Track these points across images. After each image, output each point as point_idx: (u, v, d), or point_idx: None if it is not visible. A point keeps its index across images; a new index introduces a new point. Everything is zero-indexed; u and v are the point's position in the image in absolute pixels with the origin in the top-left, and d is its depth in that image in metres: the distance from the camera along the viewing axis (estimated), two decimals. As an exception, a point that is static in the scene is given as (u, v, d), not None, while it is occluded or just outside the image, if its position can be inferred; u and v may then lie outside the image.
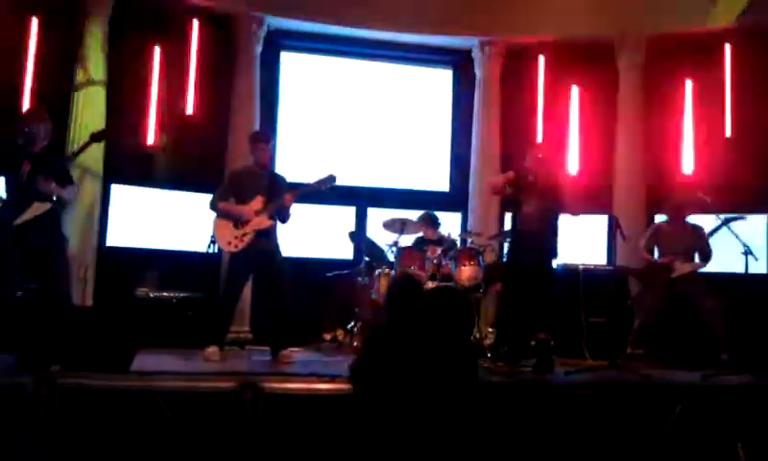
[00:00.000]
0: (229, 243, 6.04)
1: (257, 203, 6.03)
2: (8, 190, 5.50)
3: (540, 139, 9.50)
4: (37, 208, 5.34)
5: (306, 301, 7.12)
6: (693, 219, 7.16)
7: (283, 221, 6.22)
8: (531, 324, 6.00)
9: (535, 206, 6.02)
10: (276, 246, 6.21)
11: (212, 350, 5.95)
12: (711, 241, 6.95)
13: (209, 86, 9.08)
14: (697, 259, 6.93)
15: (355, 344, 7.33)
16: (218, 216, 6.18)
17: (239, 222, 6.03)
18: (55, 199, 5.46)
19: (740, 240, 6.59)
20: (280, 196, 6.03)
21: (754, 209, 7.84)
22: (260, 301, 6.26)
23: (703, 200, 7.02)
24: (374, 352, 3.66)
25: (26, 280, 5.60)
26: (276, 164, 8.64)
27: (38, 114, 5.68)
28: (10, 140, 5.69)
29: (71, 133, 8.01)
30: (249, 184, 6.15)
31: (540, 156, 6.22)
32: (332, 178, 6.18)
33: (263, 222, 6.01)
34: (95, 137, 5.66)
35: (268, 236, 6.09)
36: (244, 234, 6.00)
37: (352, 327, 7.59)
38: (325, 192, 6.32)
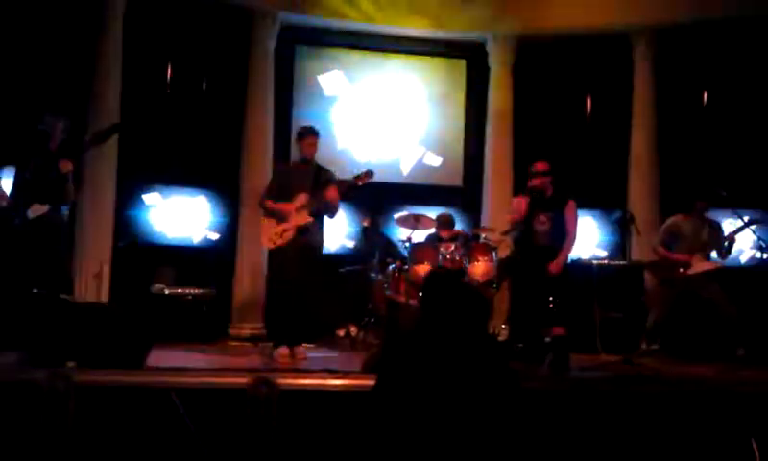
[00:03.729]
0: (270, 240, 5.96)
1: (301, 199, 5.92)
2: (14, 187, 5.57)
3: (555, 132, 9.51)
4: (37, 210, 5.40)
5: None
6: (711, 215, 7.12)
7: (330, 216, 6.12)
8: (545, 319, 5.97)
9: (547, 223, 5.95)
10: (318, 243, 6.09)
11: (281, 351, 5.88)
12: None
13: (224, 83, 9.14)
14: (714, 257, 6.87)
15: (369, 340, 7.37)
16: (264, 214, 6.10)
17: (281, 219, 5.96)
18: (54, 202, 5.54)
19: (761, 239, 6.56)
20: (324, 192, 5.92)
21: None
22: (279, 296, 6.17)
23: (719, 194, 6.96)
24: (408, 350, 3.61)
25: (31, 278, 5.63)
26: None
27: (60, 115, 5.73)
28: (26, 136, 5.77)
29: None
30: (294, 181, 6.04)
31: (542, 169, 6.06)
32: (370, 172, 6.08)
33: (303, 218, 5.89)
34: (98, 136, 5.72)
35: (310, 233, 5.97)
36: (285, 231, 5.89)
37: (366, 323, 7.60)
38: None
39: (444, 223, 7.82)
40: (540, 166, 6.07)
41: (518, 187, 9.16)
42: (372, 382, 4.51)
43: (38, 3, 8.17)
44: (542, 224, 5.95)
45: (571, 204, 6.07)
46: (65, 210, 5.79)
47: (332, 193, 5.89)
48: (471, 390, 3.39)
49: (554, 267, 5.83)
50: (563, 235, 5.97)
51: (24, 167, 5.56)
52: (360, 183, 6.05)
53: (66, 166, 5.47)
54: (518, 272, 6.31)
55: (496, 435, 3.34)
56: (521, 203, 6.11)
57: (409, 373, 3.46)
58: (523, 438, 3.50)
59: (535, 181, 6.03)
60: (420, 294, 3.73)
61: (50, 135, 5.61)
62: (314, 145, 6.11)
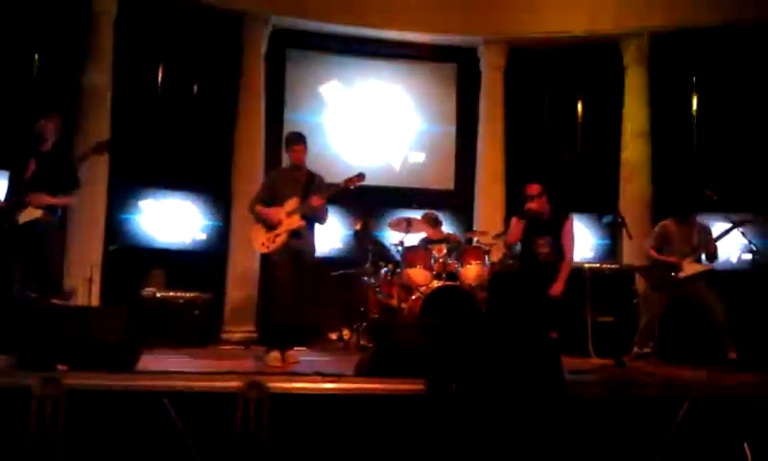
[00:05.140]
0: (262, 244, 5.95)
1: (292, 203, 5.91)
2: (8, 189, 5.54)
3: (546, 137, 9.54)
4: (31, 213, 5.38)
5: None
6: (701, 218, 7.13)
7: (320, 222, 6.11)
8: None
9: (547, 246, 6.14)
10: (310, 246, 6.07)
11: (273, 355, 5.87)
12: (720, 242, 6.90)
13: (215, 87, 9.12)
14: (704, 260, 6.87)
15: (361, 343, 7.36)
16: (255, 219, 6.10)
17: (272, 223, 5.96)
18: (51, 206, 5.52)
19: (750, 241, 6.56)
20: (310, 199, 5.91)
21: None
22: (271, 301, 6.16)
23: (710, 197, 6.96)
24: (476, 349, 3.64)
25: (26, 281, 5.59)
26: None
27: (49, 113, 5.70)
28: (18, 137, 5.75)
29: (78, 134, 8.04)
30: (285, 186, 6.05)
31: (535, 192, 6.16)
32: (361, 175, 6.05)
33: (294, 222, 5.87)
34: (98, 148, 5.69)
35: (301, 237, 5.96)
36: (276, 236, 5.89)
37: (358, 327, 7.59)
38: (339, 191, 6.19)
39: (428, 220, 7.83)
40: (533, 190, 6.14)
41: (510, 190, 9.23)
42: (365, 385, 4.54)
43: (30, 7, 8.14)
44: (543, 247, 6.14)
45: (568, 222, 6.22)
46: (59, 214, 5.76)
47: (317, 201, 5.89)
48: (534, 391, 3.45)
49: (555, 290, 6.01)
50: (562, 250, 6.14)
51: (18, 170, 5.54)
52: (351, 186, 6.05)
53: (39, 200, 5.44)
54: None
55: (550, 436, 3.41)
56: (517, 228, 6.20)
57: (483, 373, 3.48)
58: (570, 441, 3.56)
59: (531, 205, 6.12)
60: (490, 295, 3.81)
61: (43, 138, 5.59)
62: (300, 151, 6.10)
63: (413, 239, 7.67)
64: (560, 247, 6.15)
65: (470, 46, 9.78)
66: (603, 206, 8.94)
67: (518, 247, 6.45)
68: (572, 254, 6.20)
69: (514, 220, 6.31)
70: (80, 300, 7.46)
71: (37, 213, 5.45)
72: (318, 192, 5.93)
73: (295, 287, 5.91)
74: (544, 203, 6.16)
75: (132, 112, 8.53)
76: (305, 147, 6.13)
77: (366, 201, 9.17)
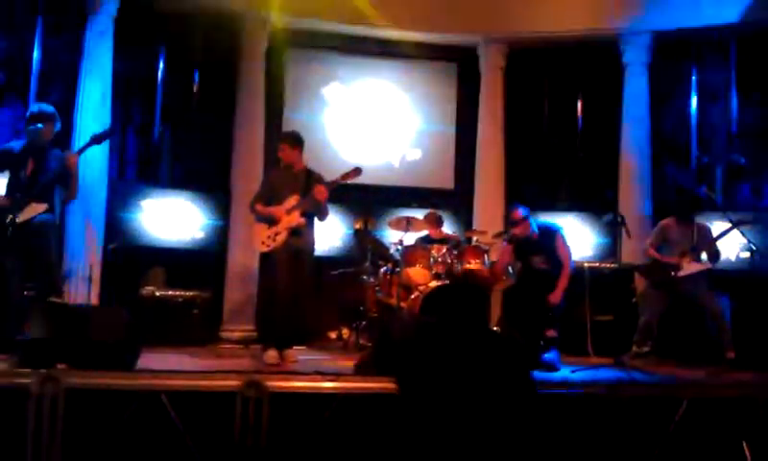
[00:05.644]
0: (263, 243, 5.97)
1: (292, 201, 5.95)
2: (8, 187, 5.55)
3: (546, 137, 9.55)
4: (34, 209, 5.39)
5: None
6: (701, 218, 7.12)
7: (320, 218, 6.15)
8: (538, 322, 6.08)
9: (544, 262, 6.40)
10: (309, 245, 6.11)
11: (270, 353, 5.89)
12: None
13: (215, 86, 9.11)
14: (704, 259, 6.87)
15: (361, 342, 7.36)
16: (255, 218, 6.13)
17: (272, 222, 5.98)
18: (53, 201, 5.53)
19: (750, 241, 6.57)
20: (312, 192, 5.93)
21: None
22: (270, 299, 6.16)
23: (710, 198, 6.97)
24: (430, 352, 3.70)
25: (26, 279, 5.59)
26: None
27: (46, 112, 5.70)
28: (16, 137, 5.76)
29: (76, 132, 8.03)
30: (284, 184, 6.08)
31: (517, 217, 6.49)
32: (358, 170, 6.08)
33: (294, 220, 5.91)
34: (96, 139, 5.69)
35: (301, 235, 5.99)
36: (276, 234, 5.92)
37: (357, 326, 7.60)
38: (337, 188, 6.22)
39: (432, 220, 7.85)
40: (516, 215, 6.53)
41: (510, 190, 9.25)
42: (364, 384, 4.54)
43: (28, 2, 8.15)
44: (540, 263, 6.41)
45: (559, 237, 6.48)
46: (58, 211, 5.77)
47: (320, 191, 5.89)
48: (496, 394, 3.48)
49: (554, 298, 6.22)
50: (560, 263, 6.36)
51: (17, 169, 5.54)
52: (348, 181, 6.06)
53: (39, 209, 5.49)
54: (518, 295, 6.49)
55: (515, 436, 3.44)
56: (506, 252, 6.71)
57: (438, 377, 3.53)
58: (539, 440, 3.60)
59: (516, 231, 6.52)
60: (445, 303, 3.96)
61: (43, 135, 5.60)
62: (286, 151, 6.15)
63: (412, 238, 7.67)
64: (557, 259, 6.38)
65: (470, 46, 9.77)
66: (602, 205, 8.96)
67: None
68: (570, 265, 6.40)
69: (503, 244, 6.81)
70: (80, 298, 7.47)
71: (40, 209, 5.46)
72: (320, 183, 5.94)
73: (293, 286, 5.92)
74: (528, 226, 6.47)
75: (132, 111, 8.52)
76: (293, 146, 6.16)
77: (366, 200, 9.18)
